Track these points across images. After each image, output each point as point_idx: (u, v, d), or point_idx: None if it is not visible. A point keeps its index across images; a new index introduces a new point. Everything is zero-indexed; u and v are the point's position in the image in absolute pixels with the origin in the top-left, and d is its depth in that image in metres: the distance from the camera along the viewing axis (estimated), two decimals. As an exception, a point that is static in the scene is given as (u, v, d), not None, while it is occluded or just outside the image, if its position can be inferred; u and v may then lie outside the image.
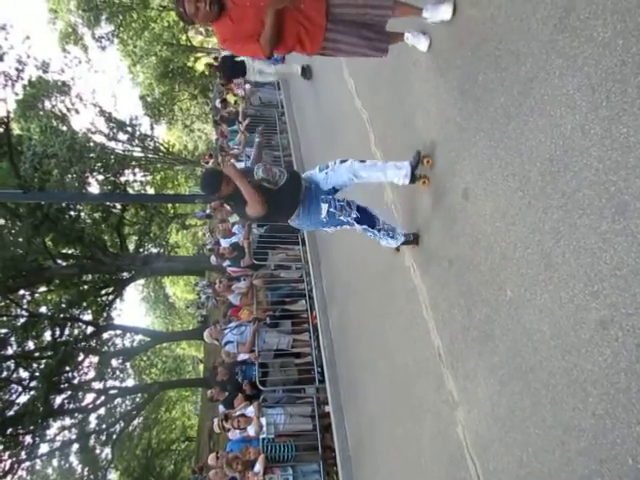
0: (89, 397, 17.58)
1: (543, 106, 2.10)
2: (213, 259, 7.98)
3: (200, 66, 24.53)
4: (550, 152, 2.06)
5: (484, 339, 2.51)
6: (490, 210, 2.49)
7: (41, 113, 16.95)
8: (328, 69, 6.15)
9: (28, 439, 14.85)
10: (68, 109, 18.47)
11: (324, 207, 2.95)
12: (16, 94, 16.41)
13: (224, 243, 7.51)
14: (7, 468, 14.49)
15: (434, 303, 3.09)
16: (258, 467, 4.88)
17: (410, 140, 3.49)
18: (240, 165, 7.79)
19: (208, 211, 10.27)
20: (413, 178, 3.05)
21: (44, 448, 16.47)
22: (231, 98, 11.38)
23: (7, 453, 14.40)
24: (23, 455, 14.90)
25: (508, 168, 2.34)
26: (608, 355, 1.75)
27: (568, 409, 1.91)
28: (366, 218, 3.05)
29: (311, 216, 3.00)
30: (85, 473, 19.02)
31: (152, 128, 22.84)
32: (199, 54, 25.94)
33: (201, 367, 27.82)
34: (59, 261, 16.08)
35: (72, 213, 16.16)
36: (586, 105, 1.87)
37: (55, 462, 18.20)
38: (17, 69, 15.49)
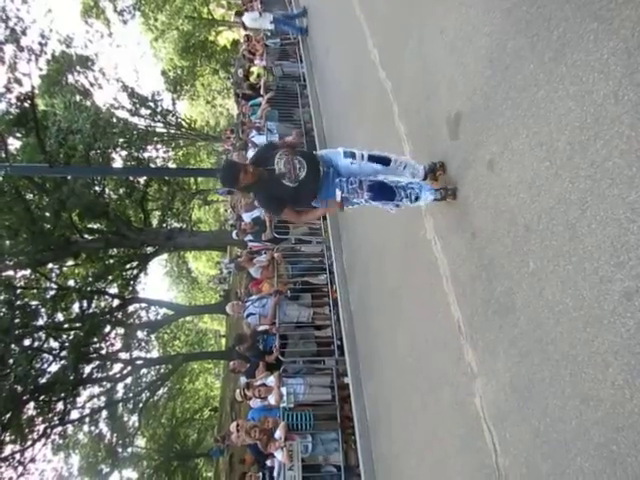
0: (116, 367, 18.25)
1: (575, 72, 2.04)
2: (235, 234, 8.06)
3: (222, 40, 24.33)
4: (580, 120, 2.00)
5: (505, 312, 2.51)
6: (515, 181, 2.45)
7: (65, 88, 17.11)
8: (351, 40, 6.03)
9: (60, 406, 15.54)
10: (91, 84, 18.63)
11: (338, 193, 3.02)
12: (40, 69, 16.55)
13: (246, 218, 7.57)
14: (41, 432, 15.27)
15: (455, 276, 3.08)
16: (279, 434, 5.03)
17: (435, 111, 3.43)
18: (261, 139, 7.78)
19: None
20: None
21: (75, 414, 17.27)
22: (254, 69, 11.27)
23: (40, 418, 15.15)
24: (55, 420, 15.62)
25: (536, 137, 2.29)
26: (631, 326, 1.73)
27: (587, 380, 1.91)
28: (381, 194, 3.04)
29: (328, 201, 3.09)
30: (114, 439, 19.89)
31: (174, 104, 22.90)
32: (220, 28, 25.68)
33: (223, 341, 28.54)
34: (85, 235, 16.46)
35: (97, 188, 16.44)
36: (621, 70, 1.81)
37: (85, 427, 19.09)
38: (40, 44, 15.53)
